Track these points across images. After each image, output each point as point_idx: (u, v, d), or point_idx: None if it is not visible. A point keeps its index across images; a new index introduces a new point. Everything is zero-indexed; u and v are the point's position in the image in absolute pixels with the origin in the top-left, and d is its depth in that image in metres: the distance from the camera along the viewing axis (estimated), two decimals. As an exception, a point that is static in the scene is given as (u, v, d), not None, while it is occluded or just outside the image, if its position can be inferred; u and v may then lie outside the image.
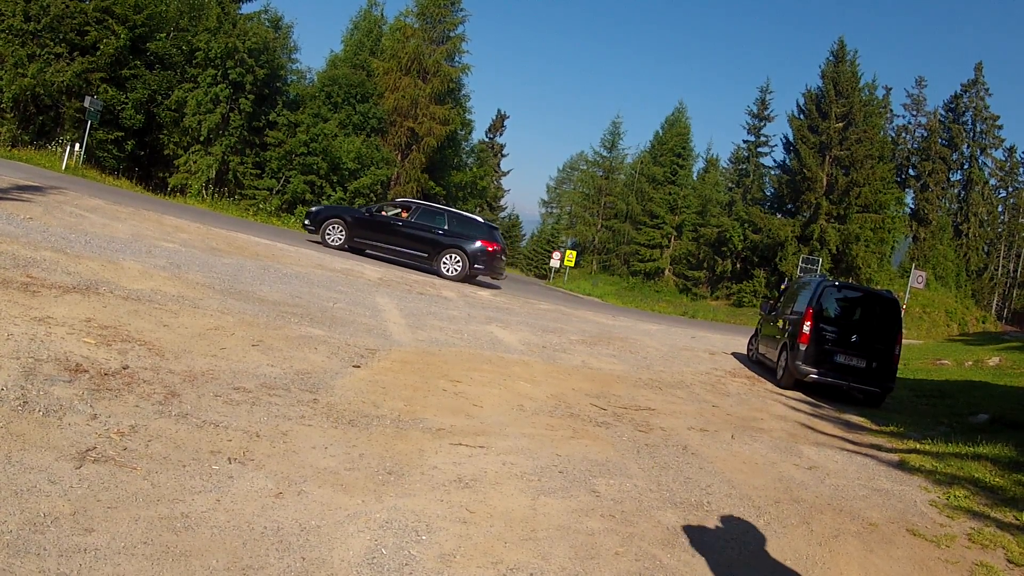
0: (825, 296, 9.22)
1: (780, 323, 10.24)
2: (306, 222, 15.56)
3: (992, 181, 47.07)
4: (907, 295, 25.02)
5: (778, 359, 9.51)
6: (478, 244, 14.83)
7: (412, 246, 14.70)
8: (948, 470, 4.89)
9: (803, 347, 8.74)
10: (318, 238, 14.76)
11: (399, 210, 15.32)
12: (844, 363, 8.73)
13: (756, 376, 9.56)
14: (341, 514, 2.51)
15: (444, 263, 14.65)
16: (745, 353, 12.45)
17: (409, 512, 2.65)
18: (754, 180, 45.29)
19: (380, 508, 2.64)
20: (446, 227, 14.90)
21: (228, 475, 2.62)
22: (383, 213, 15.20)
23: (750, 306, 32.50)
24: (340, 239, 14.57)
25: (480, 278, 15.61)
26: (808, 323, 8.82)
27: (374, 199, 30.84)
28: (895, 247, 38.46)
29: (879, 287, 37.25)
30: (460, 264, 14.65)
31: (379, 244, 14.77)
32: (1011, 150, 46.87)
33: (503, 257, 15.73)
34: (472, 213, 16.85)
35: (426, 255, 14.71)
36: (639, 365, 8.33)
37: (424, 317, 8.37)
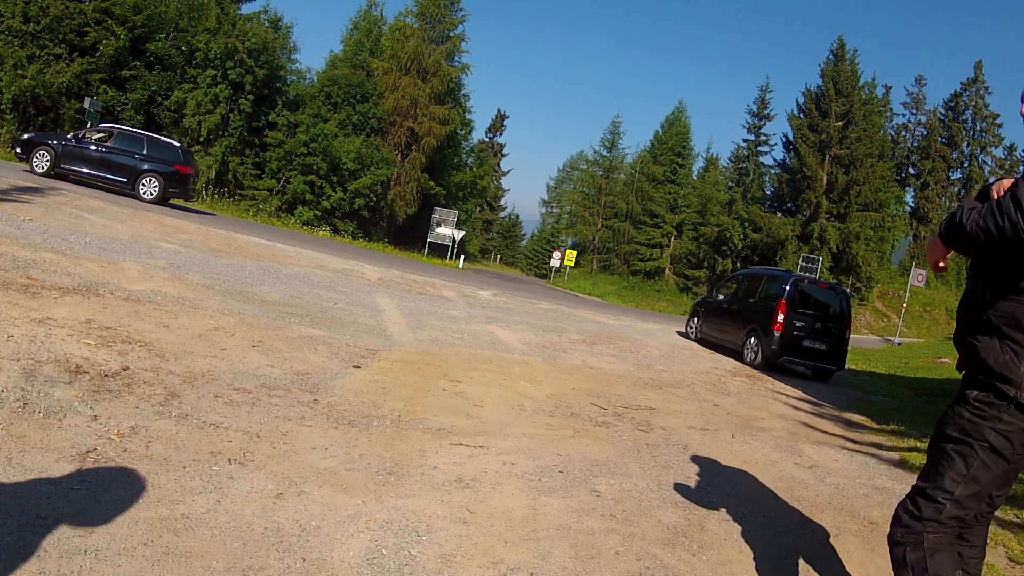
0: (794, 289, 10.68)
1: (740, 309, 11.66)
2: (17, 150, 15.69)
3: (992, 179, 46.96)
4: (907, 294, 25.02)
5: (744, 342, 11.02)
6: (173, 168, 15.40)
7: (113, 171, 15.09)
8: (949, 469, 4.88)
9: (777, 334, 10.22)
10: (28, 166, 14.92)
11: (103, 136, 15.62)
12: (810, 346, 10.29)
13: (757, 375, 9.57)
14: (341, 514, 2.51)
15: (142, 186, 15.15)
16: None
17: (409, 512, 2.65)
18: (754, 179, 45.28)
19: (380, 508, 2.64)
20: (144, 152, 15.32)
21: (228, 476, 2.62)
22: (87, 139, 15.41)
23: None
24: (46, 166, 14.68)
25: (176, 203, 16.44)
26: (782, 313, 10.28)
27: (374, 199, 30.86)
28: (895, 246, 38.45)
29: (879, 284, 37.10)
30: (157, 187, 15.20)
31: (83, 171, 14.98)
32: (1011, 148, 46.80)
33: (195, 180, 16.79)
34: (168, 138, 17.14)
35: (125, 180, 15.13)
36: (639, 364, 8.33)
37: (424, 317, 8.38)
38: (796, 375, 10.60)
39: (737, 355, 11.25)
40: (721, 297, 12.90)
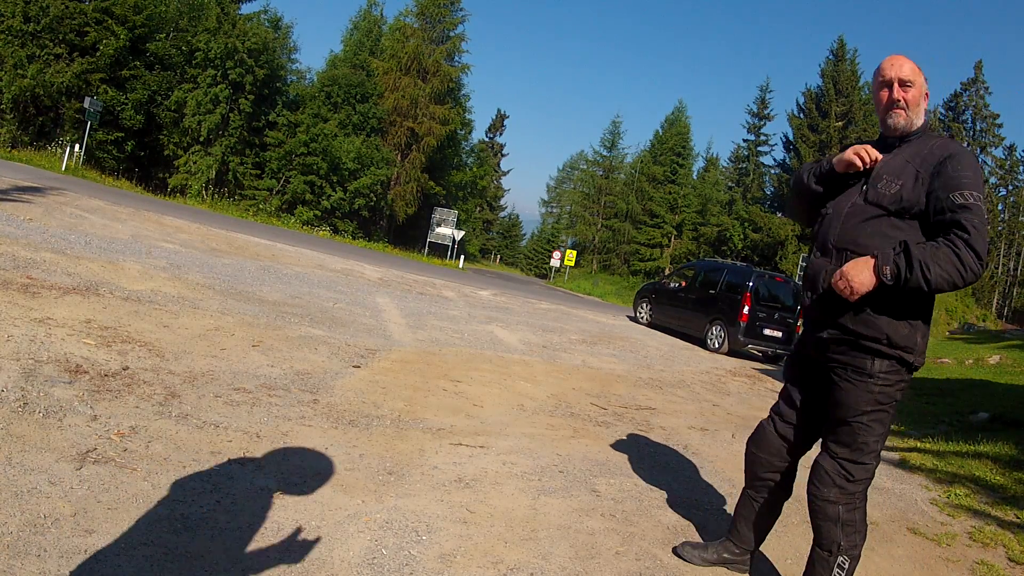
0: (757, 283, 11.93)
1: (701, 300, 12.70)
2: None
3: (992, 179, 47.01)
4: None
5: (707, 331, 12.21)
6: None
7: None
8: (949, 468, 4.89)
9: (743, 324, 11.52)
10: None
11: None
12: (769, 334, 11.71)
13: (757, 375, 9.57)
14: (341, 514, 2.51)
15: None
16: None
17: (409, 512, 2.65)
18: (754, 179, 45.26)
19: (380, 508, 2.64)
20: None
21: (228, 476, 2.62)
22: None
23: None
24: None
25: None
26: (747, 305, 11.50)
27: (374, 199, 30.86)
28: (895, 246, 38.37)
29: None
30: None
31: None
32: (1011, 148, 46.83)
33: None
34: None
35: None
36: (639, 364, 8.33)
37: (424, 317, 8.38)
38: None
39: (697, 341, 12.41)
40: (673, 286, 13.94)
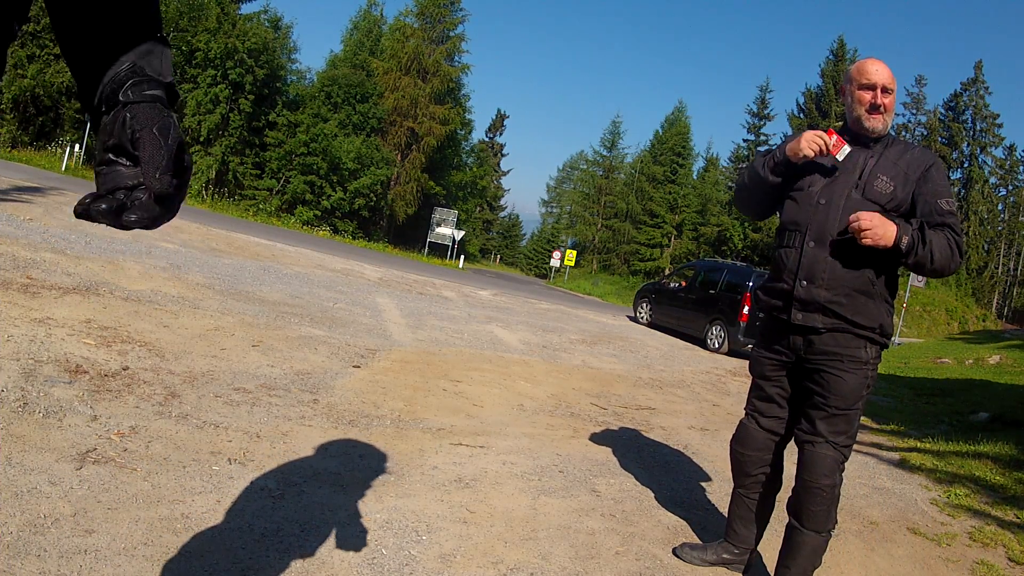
0: (757, 283, 11.59)
1: (700, 300, 12.79)
2: None
3: (992, 179, 47.01)
4: (907, 294, 25.02)
5: (707, 331, 12.30)
6: None
7: None
8: (949, 468, 4.89)
9: (743, 324, 11.54)
10: None
11: None
12: None
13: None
14: (341, 514, 2.51)
15: None
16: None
17: (409, 512, 2.65)
18: (754, 179, 45.16)
19: (380, 508, 2.64)
20: None
21: (228, 476, 2.62)
22: None
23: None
24: None
25: None
26: (747, 305, 11.49)
27: (374, 199, 30.86)
28: (895, 246, 38.36)
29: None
30: None
31: None
32: (1011, 148, 46.82)
33: None
34: None
35: None
36: (639, 364, 8.33)
37: (424, 317, 8.38)
38: None
39: (697, 341, 12.48)
40: (673, 286, 14.05)
